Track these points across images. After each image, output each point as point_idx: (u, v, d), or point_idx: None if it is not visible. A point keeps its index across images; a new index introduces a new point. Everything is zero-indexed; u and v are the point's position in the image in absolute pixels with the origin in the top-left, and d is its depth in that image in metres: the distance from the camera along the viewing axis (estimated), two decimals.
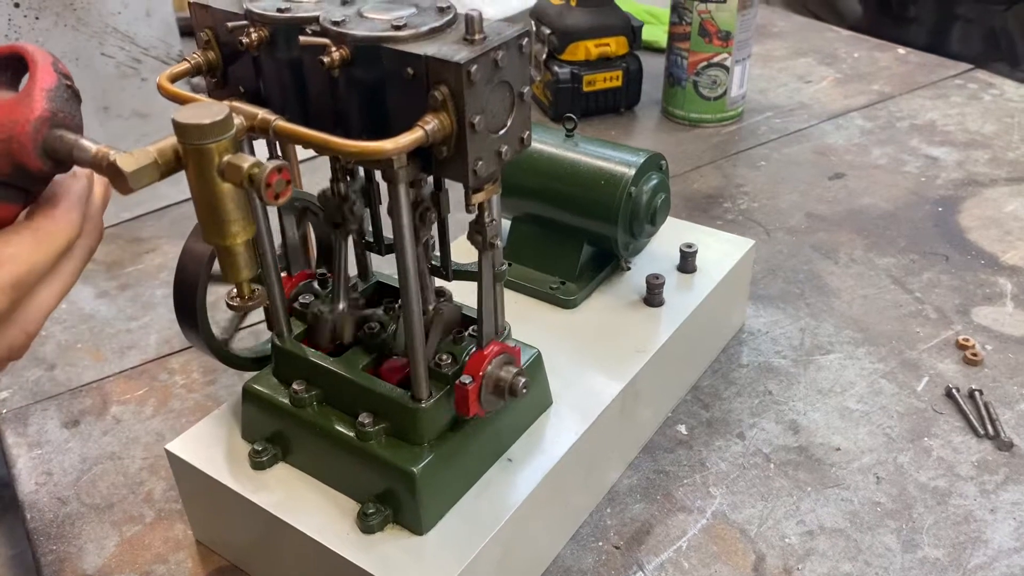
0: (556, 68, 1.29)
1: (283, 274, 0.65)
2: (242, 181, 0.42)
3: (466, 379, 0.56)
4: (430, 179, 0.56)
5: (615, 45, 1.29)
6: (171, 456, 0.65)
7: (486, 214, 0.52)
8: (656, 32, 1.55)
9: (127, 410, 0.83)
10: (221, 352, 0.66)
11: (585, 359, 0.72)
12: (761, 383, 0.83)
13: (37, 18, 1.07)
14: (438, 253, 0.62)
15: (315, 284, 0.65)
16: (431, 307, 0.60)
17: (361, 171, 0.59)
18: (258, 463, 0.63)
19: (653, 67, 1.37)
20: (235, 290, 0.47)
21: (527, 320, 0.77)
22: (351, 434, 0.59)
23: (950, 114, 1.31)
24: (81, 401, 0.85)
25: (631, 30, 1.29)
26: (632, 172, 0.75)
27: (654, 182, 0.76)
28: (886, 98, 1.37)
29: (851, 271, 0.98)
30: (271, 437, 0.64)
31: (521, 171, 0.78)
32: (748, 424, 0.79)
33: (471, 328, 0.61)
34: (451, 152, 0.47)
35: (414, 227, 0.50)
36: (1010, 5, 2.67)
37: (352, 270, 0.69)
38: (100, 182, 0.51)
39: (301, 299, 0.64)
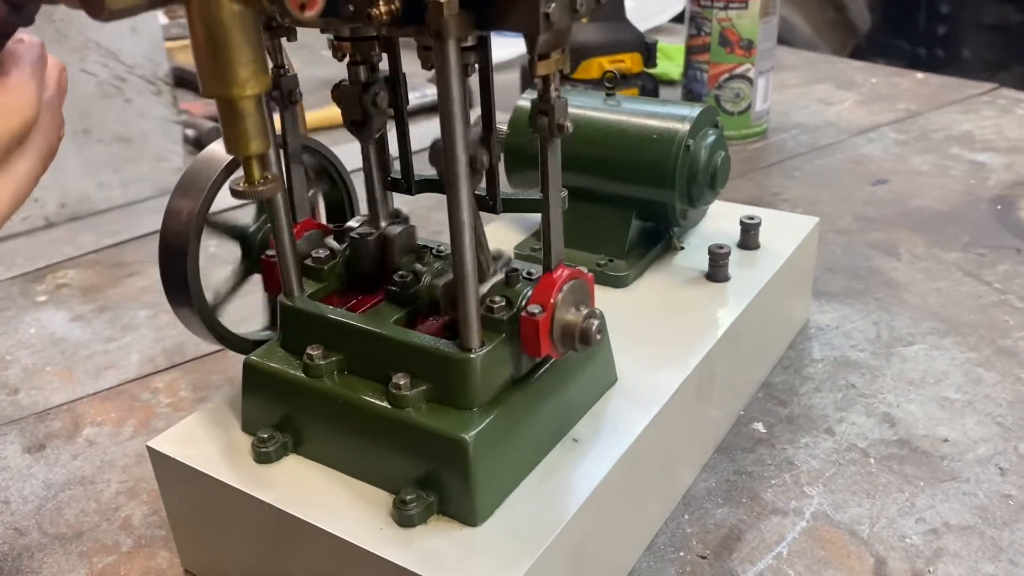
0: (568, 87, 1.21)
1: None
2: None
3: (535, 309, 0.45)
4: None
5: (630, 62, 1.21)
6: (154, 455, 0.53)
7: (552, 87, 0.42)
8: (666, 66, 1.49)
9: (102, 432, 0.71)
10: (219, 330, 0.55)
11: (649, 337, 0.61)
12: (841, 377, 0.72)
13: None
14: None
15: (331, 239, 0.54)
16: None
17: (384, 63, 0.50)
18: (263, 454, 0.51)
19: (667, 97, 1.30)
20: (242, 173, 0.36)
21: None
22: (383, 403, 0.47)
23: (985, 125, 1.24)
24: (48, 424, 0.72)
25: (646, 47, 1.22)
26: (687, 126, 0.65)
27: (712, 138, 0.67)
28: (914, 114, 1.30)
29: (917, 266, 0.88)
30: (279, 423, 0.52)
31: None
32: (835, 419, 0.67)
33: (526, 270, 0.50)
34: None
35: (465, 103, 0.40)
36: (993, 72, 2.67)
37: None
38: (56, 65, 0.41)
39: (314, 254, 0.53)
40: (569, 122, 0.43)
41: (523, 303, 0.47)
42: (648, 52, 1.22)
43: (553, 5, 0.38)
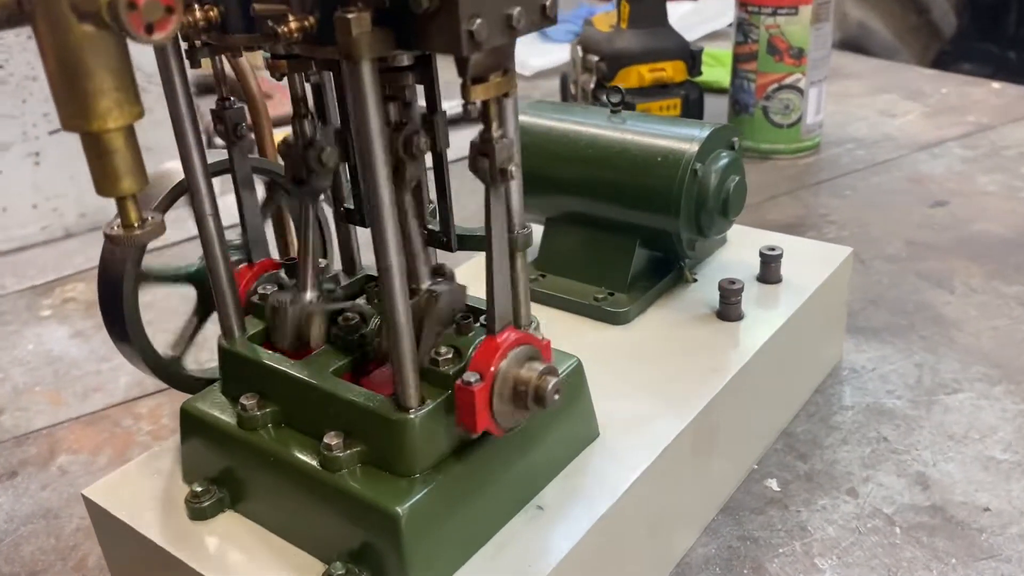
0: (605, 97, 1.14)
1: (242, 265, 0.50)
2: (100, 11, 0.27)
3: (471, 377, 0.39)
4: (421, 101, 0.41)
5: (671, 70, 1.14)
6: (89, 504, 0.49)
7: (494, 124, 0.36)
8: (717, 73, 1.41)
9: (76, 460, 0.68)
10: (161, 367, 0.51)
11: (643, 383, 0.55)
12: (872, 428, 0.64)
13: (29, 37, 0.97)
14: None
15: (282, 273, 0.50)
16: (424, 287, 0.43)
17: (336, 114, 0.45)
18: (197, 510, 0.46)
19: (715, 108, 1.23)
20: (117, 215, 0.32)
21: (565, 338, 0.59)
22: (314, 464, 0.42)
23: None
24: (25, 450, 0.69)
25: (690, 55, 1.15)
26: (695, 147, 0.59)
27: (724, 161, 0.60)
28: (985, 128, 1.20)
29: (972, 301, 0.79)
30: (217, 476, 0.47)
31: (556, 158, 0.63)
32: (860, 478, 0.60)
33: (483, 317, 0.44)
34: (435, 1, 0.31)
35: (386, 134, 0.35)
36: None
37: (336, 263, 0.53)
38: None
39: (261, 290, 0.48)
40: (514, 166, 0.37)
41: (473, 353, 0.42)
42: (693, 60, 1.15)
43: (478, 22, 0.32)
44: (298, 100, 0.43)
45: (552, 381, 0.41)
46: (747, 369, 0.57)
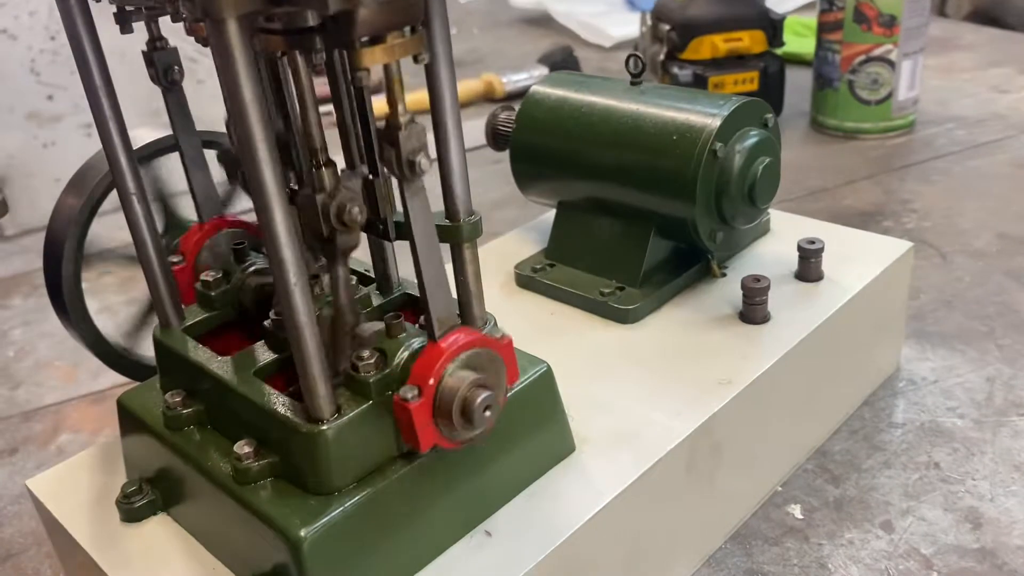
0: (676, 69, 1.07)
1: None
2: None
3: (409, 392, 0.34)
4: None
5: (749, 41, 1.05)
6: (33, 497, 0.47)
7: (400, 106, 0.31)
8: (807, 44, 1.30)
9: (76, 440, 0.66)
10: (105, 350, 0.48)
11: (637, 392, 0.49)
12: (923, 451, 0.56)
13: None
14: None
15: (232, 259, 0.46)
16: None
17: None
18: (129, 511, 0.43)
19: (800, 82, 1.13)
20: None
21: (563, 336, 0.54)
22: (227, 472, 0.38)
23: None
24: (30, 426, 0.69)
25: (770, 24, 1.05)
26: (716, 124, 0.51)
27: (752, 140, 0.52)
28: None
29: None
30: (151, 476, 0.44)
31: (568, 135, 0.57)
32: (899, 509, 0.52)
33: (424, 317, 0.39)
34: None
35: (264, 105, 0.30)
36: None
37: None
38: None
39: (203, 276, 0.45)
40: (425, 157, 0.31)
41: (403, 361, 0.37)
42: (773, 29, 1.06)
43: None
44: None
45: (481, 395, 0.35)
46: (765, 379, 0.50)
